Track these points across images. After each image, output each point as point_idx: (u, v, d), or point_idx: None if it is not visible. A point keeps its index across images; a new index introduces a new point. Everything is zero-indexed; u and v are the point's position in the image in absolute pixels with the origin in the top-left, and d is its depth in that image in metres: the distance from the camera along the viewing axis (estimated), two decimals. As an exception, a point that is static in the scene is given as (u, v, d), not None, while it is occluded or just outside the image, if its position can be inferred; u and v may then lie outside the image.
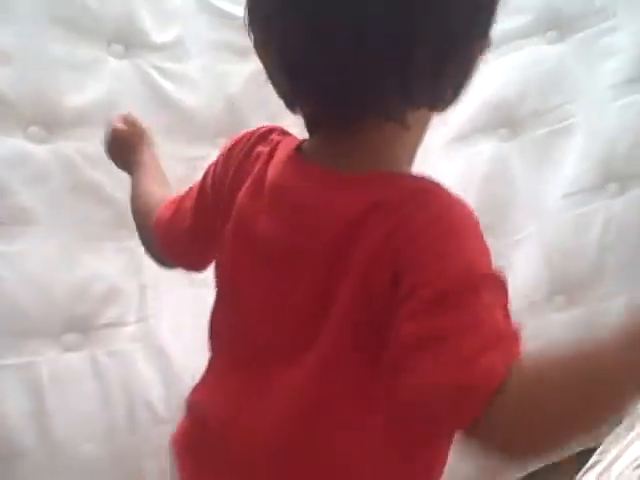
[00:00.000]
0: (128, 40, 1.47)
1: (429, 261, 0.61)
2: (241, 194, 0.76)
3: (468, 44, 0.66)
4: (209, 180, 0.84)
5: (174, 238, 0.89)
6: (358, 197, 0.66)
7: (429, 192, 0.66)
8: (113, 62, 1.44)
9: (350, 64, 0.64)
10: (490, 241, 1.50)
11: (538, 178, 1.51)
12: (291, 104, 0.71)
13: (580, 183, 1.50)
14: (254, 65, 1.57)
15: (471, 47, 0.67)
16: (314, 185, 0.71)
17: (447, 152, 1.51)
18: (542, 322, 1.42)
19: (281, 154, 0.76)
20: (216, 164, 0.84)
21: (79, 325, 1.29)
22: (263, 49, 0.72)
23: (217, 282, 0.85)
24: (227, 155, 0.83)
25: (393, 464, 0.70)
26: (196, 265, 0.95)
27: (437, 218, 0.64)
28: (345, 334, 0.66)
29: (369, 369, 0.65)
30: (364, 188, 0.67)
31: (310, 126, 0.73)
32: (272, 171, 0.75)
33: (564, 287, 1.44)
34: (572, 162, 1.51)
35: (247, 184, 0.77)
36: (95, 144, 1.33)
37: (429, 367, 0.57)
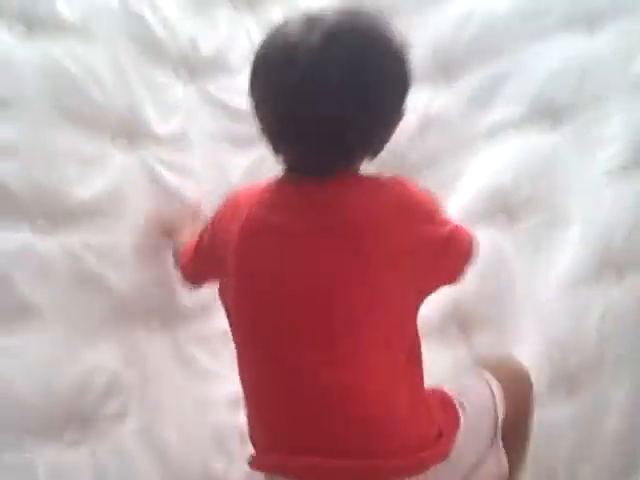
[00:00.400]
0: (132, 133, 1.51)
1: None
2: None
3: (395, 123, 1.06)
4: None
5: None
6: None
7: None
8: (117, 155, 1.47)
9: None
10: (488, 333, 1.51)
11: (534, 268, 1.52)
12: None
13: (577, 272, 1.50)
14: (254, 155, 1.65)
15: (396, 122, 1.06)
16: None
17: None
18: (544, 413, 1.39)
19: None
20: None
21: (79, 420, 1.28)
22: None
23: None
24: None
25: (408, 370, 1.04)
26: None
27: None
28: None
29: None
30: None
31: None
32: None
33: (565, 378, 1.43)
34: (568, 251, 1.52)
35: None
36: (100, 236, 1.39)
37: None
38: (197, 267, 1.28)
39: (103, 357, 1.34)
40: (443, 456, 1.04)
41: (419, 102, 1.67)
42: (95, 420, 1.29)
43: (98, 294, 1.37)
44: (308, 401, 1.00)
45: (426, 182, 1.49)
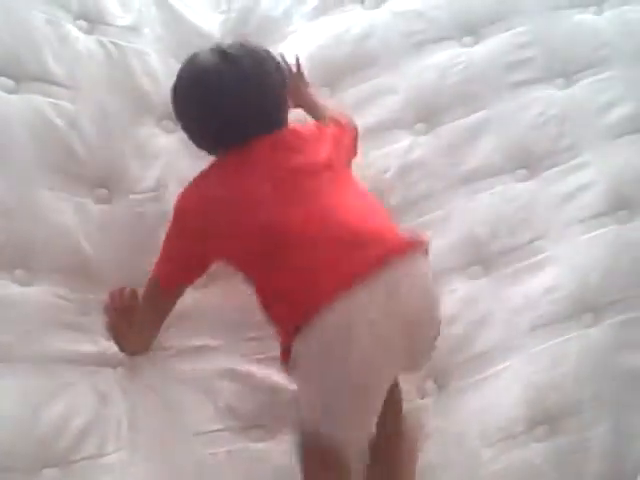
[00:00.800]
0: (112, 185, 1.56)
1: None
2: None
3: (284, 93, 1.49)
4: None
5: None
6: None
7: None
8: (95, 207, 1.52)
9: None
10: (466, 380, 1.51)
11: (511, 314, 1.54)
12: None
13: (553, 315, 1.52)
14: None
15: (284, 93, 1.49)
16: None
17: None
18: (523, 453, 1.41)
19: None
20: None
21: (57, 461, 1.28)
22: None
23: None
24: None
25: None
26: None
27: None
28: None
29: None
30: None
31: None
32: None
33: (544, 418, 1.43)
34: (544, 295, 1.54)
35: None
36: (75, 286, 1.43)
37: None
38: (178, 270, 1.43)
39: (80, 399, 1.35)
40: (426, 244, 1.35)
41: (400, 148, 1.71)
42: (72, 461, 1.29)
43: (74, 337, 1.40)
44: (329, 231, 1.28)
45: (407, 225, 1.56)
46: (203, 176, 1.42)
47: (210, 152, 1.47)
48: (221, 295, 1.54)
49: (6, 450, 1.24)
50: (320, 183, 1.36)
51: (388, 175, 1.68)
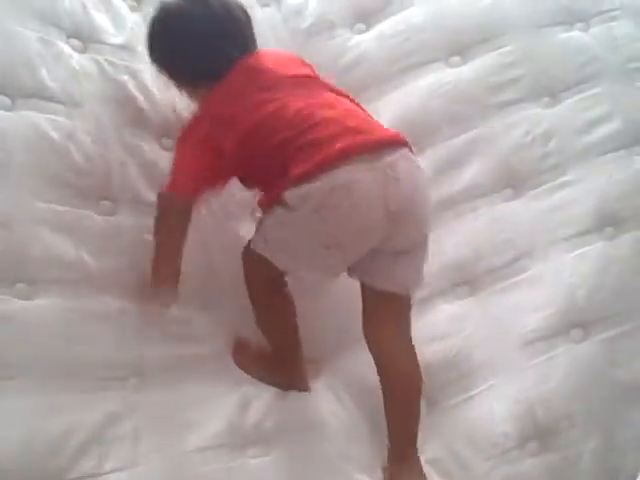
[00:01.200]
0: (114, 196, 1.55)
1: None
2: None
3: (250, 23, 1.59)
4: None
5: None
6: None
7: None
8: (99, 218, 1.51)
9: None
10: (455, 398, 1.51)
11: (498, 332, 1.56)
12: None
13: (541, 331, 1.54)
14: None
15: (250, 24, 1.58)
16: None
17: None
18: (516, 468, 1.43)
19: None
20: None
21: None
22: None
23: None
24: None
25: None
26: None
27: None
28: None
29: None
30: None
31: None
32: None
33: (535, 434, 1.45)
34: (531, 312, 1.56)
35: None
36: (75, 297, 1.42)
37: None
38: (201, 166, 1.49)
39: (80, 415, 1.35)
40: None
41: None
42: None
43: (78, 360, 1.40)
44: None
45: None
46: (208, 100, 1.52)
47: (194, 88, 1.57)
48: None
49: (4, 468, 1.25)
50: (314, 86, 1.49)
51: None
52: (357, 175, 1.32)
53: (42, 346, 1.36)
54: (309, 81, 1.51)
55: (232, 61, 1.50)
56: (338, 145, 1.33)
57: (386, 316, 1.43)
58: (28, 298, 1.38)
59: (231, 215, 1.67)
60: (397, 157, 1.37)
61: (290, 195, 1.34)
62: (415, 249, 1.42)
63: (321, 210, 1.33)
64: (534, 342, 1.53)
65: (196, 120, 1.52)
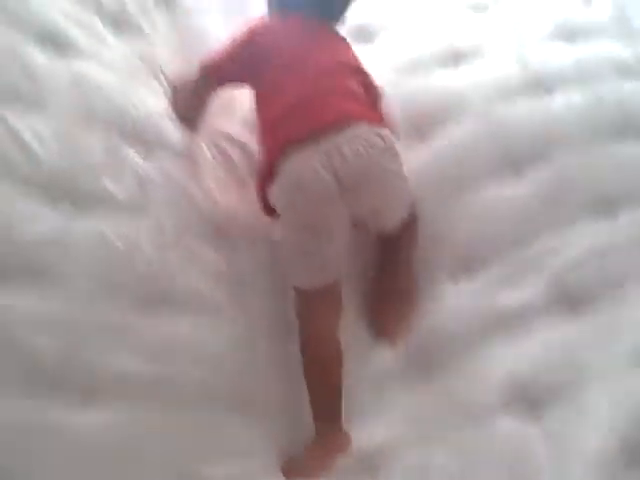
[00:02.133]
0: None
1: None
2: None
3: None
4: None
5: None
6: None
7: None
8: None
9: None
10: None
11: (563, 463, 1.53)
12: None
13: (606, 456, 1.50)
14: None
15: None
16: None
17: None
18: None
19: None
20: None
21: None
22: None
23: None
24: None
25: None
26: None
27: None
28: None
29: None
30: None
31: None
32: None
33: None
34: (595, 434, 1.53)
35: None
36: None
37: None
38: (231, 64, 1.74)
39: None
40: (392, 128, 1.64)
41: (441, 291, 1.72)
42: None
43: None
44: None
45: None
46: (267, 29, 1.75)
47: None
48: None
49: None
50: (332, 71, 1.64)
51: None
52: (298, 166, 1.50)
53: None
54: (332, 73, 1.65)
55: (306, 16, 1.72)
56: (281, 138, 1.54)
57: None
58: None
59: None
60: (342, 140, 1.49)
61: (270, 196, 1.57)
62: None
63: (287, 205, 1.53)
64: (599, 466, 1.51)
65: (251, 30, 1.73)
